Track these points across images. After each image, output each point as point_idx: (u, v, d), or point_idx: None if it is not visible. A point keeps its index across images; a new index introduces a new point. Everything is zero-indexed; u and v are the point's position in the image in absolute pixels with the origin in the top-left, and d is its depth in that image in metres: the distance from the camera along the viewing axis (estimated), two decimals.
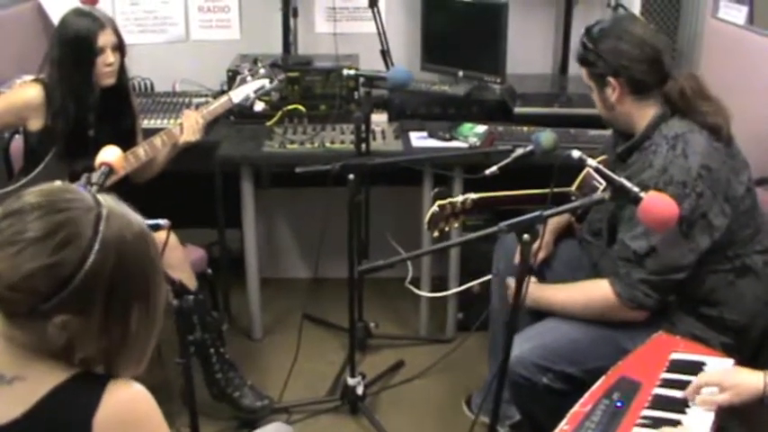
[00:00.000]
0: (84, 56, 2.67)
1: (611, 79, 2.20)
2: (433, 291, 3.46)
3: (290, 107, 3.43)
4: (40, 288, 1.14)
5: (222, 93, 3.17)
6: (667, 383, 1.87)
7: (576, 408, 1.77)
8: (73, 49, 2.67)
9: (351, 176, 2.66)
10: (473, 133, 3.26)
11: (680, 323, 2.21)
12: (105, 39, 2.68)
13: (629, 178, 2.13)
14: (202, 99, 3.48)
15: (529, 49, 3.79)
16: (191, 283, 2.70)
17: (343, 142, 3.21)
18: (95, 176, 2.21)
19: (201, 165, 3.13)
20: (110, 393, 1.19)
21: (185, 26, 3.81)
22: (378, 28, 3.53)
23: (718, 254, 2.18)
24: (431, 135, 3.31)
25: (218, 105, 2.95)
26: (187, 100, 3.53)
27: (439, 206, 2.54)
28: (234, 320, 3.56)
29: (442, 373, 3.26)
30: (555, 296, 2.35)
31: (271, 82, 3.01)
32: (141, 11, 3.76)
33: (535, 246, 1.97)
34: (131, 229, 1.23)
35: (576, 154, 2.00)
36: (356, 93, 3.42)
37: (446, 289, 3.42)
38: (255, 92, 2.98)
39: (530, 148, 2.48)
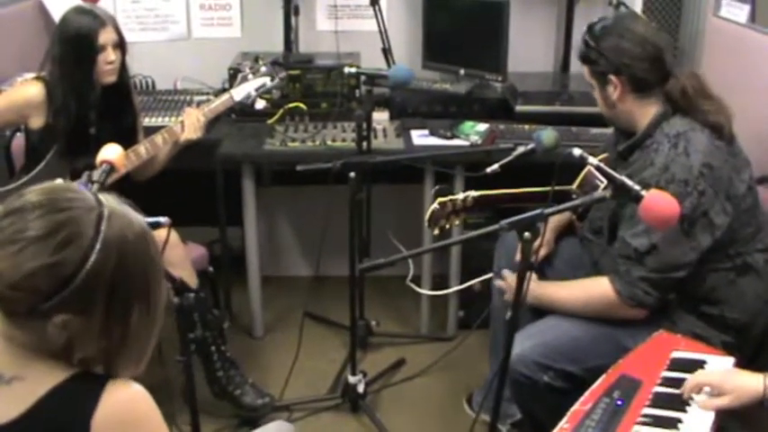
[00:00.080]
0: (85, 54, 2.67)
1: (612, 77, 2.20)
2: (434, 289, 3.46)
3: (291, 105, 3.43)
4: (41, 287, 1.14)
5: (223, 91, 3.17)
6: (668, 382, 1.86)
7: (576, 406, 1.77)
8: (74, 47, 2.67)
9: (352, 174, 2.66)
10: (474, 131, 3.25)
11: (681, 321, 2.21)
12: (106, 36, 2.69)
13: (630, 176, 2.12)
14: (204, 97, 3.48)
15: (530, 47, 3.79)
16: (191, 280, 2.70)
17: (344, 140, 3.21)
18: (96, 174, 2.21)
19: (203, 163, 3.13)
20: (109, 393, 1.19)
21: (187, 24, 3.81)
22: (379, 26, 3.53)
23: (719, 252, 2.17)
24: (432, 133, 3.30)
25: (219, 103, 2.95)
26: (188, 98, 3.53)
27: (440, 204, 2.54)
28: (235, 318, 3.57)
29: (442, 371, 3.26)
30: (556, 293, 2.35)
31: (272, 80, 3.01)
32: (142, 9, 3.76)
33: (536, 244, 1.96)
34: (133, 229, 1.23)
35: (577, 152, 1.99)
36: (357, 91, 3.42)
37: (447, 287, 3.42)
38: (257, 90, 2.98)
39: (531, 146, 2.48)
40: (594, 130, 3.17)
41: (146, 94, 3.55)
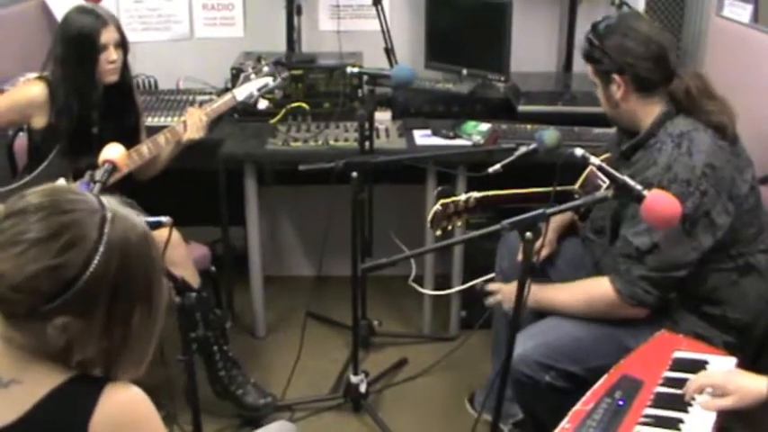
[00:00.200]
0: (87, 53, 2.68)
1: (616, 76, 2.19)
2: (436, 289, 3.46)
3: (293, 105, 3.43)
4: (43, 289, 1.14)
5: (226, 90, 3.17)
6: (670, 382, 1.86)
7: (577, 406, 1.76)
8: (76, 47, 2.68)
9: (354, 174, 2.66)
10: (477, 131, 3.25)
11: (682, 321, 2.21)
12: (108, 36, 2.69)
13: (632, 176, 2.12)
14: (206, 97, 3.48)
15: (533, 47, 3.78)
16: (193, 280, 2.70)
17: (346, 140, 3.21)
18: (99, 174, 2.21)
19: (205, 162, 3.13)
20: (107, 396, 1.19)
21: (189, 24, 3.82)
22: (382, 26, 3.53)
23: (721, 252, 2.17)
24: (434, 133, 3.30)
25: (221, 103, 2.95)
26: (191, 98, 3.54)
27: (442, 205, 2.54)
28: (237, 318, 3.57)
29: (445, 371, 3.26)
30: (556, 296, 2.35)
31: (274, 80, 3.01)
32: (145, 8, 3.76)
33: (538, 244, 1.96)
34: (135, 231, 1.23)
35: (579, 152, 1.99)
36: (360, 90, 3.42)
37: (449, 287, 3.42)
38: (259, 90, 2.99)
39: (533, 146, 2.47)
40: (597, 130, 3.17)
41: (148, 94, 3.55)
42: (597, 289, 2.24)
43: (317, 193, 3.46)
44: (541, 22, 3.82)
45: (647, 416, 1.74)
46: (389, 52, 3.57)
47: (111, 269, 1.17)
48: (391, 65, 3.52)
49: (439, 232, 2.57)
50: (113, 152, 2.25)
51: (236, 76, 3.16)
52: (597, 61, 2.23)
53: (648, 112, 2.21)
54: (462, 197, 2.56)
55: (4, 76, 3.22)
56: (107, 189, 2.20)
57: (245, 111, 3.31)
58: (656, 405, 1.78)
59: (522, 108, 3.38)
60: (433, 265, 3.45)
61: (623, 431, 1.69)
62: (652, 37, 2.18)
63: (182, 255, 2.70)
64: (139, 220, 1.26)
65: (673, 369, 1.92)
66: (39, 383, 1.18)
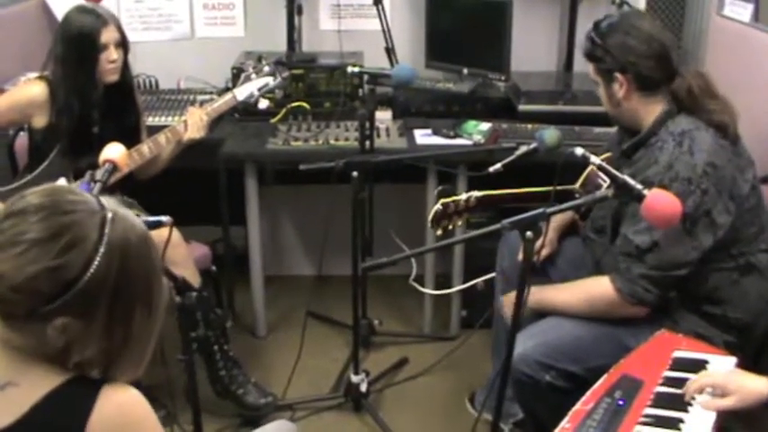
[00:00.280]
0: (87, 53, 2.68)
1: (618, 75, 2.19)
2: (436, 288, 3.46)
3: (294, 104, 3.43)
4: (43, 290, 1.14)
5: (227, 90, 3.17)
6: (670, 382, 1.86)
7: (577, 406, 1.76)
8: (76, 47, 2.68)
9: (355, 174, 2.66)
10: (477, 131, 3.25)
11: (683, 321, 2.21)
12: (108, 35, 2.69)
13: (633, 175, 2.12)
14: (207, 96, 3.48)
15: (533, 46, 3.78)
16: (194, 280, 2.70)
17: (347, 139, 3.21)
18: (99, 173, 2.21)
19: (206, 162, 3.13)
20: (104, 397, 1.18)
21: (190, 23, 3.82)
22: (382, 25, 3.53)
23: (722, 252, 2.17)
24: (435, 132, 3.30)
25: (222, 103, 2.95)
26: (192, 97, 3.54)
27: (442, 204, 2.54)
28: (238, 318, 3.57)
29: (445, 370, 3.26)
30: (557, 296, 2.35)
31: (275, 79, 3.01)
32: (146, 8, 3.77)
33: (538, 243, 1.96)
34: (135, 232, 1.23)
35: (579, 151, 1.99)
36: (360, 90, 3.42)
37: (450, 286, 3.42)
38: (260, 89, 2.98)
39: (533, 145, 2.47)
40: (598, 130, 3.17)
41: (149, 94, 3.56)
42: (597, 288, 2.24)
43: (317, 192, 3.46)
44: (542, 22, 3.82)
45: (647, 415, 1.74)
46: (390, 52, 3.57)
47: (112, 270, 1.17)
48: (392, 64, 3.52)
49: (439, 232, 2.57)
50: (114, 152, 2.25)
51: (237, 75, 3.16)
52: (599, 60, 2.22)
53: (650, 110, 2.21)
54: (463, 196, 2.56)
55: (5, 75, 3.22)
56: (108, 189, 2.21)
57: (245, 110, 3.31)
58: (656, 405, 1.78)
59: (522, 107, 3.38)
60: (434, 264, 3.45)
61: (623, 431, 1.69)
62: (654, 35, 2.18)
63: (182, 254, 2.70)
64: (138, 220, 1.26)
65: (673, 369, 1.92)
66: (36, 386, 1.17)
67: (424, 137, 3.29)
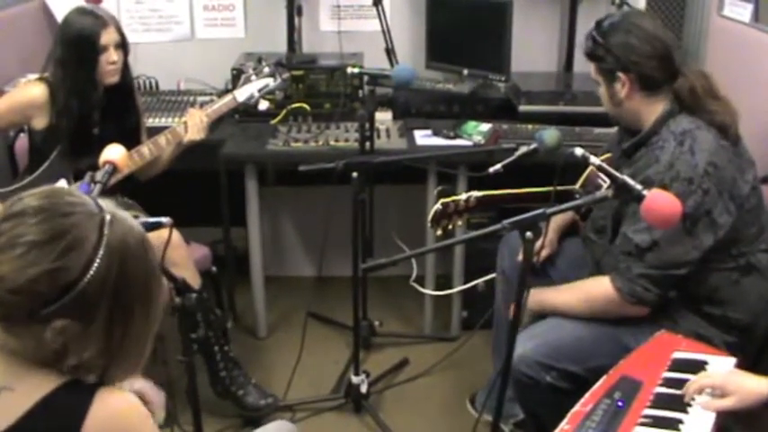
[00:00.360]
0: (87, 54, 2.68)
1: (620, 74, 2.19)
2: (437, 289, 3.46)
3: (294, 105, 3.43)
4: (43, 292, 1.14)
5: (227, 91, 3.18)
6: (669, 383, 1.86)
7: (576, 407, 1.76)
8: (76, 48, 2.68)
9: (355, 174, 2.66)
10: (477, 131, 3.25)
11: (683, 321, 2.21)
12: (108, 37, 2.70)
13: (634, 174, 2.13)
14: (207, 98, 3.48)
15: (533, 46, 3.79)
16: (194, 281, 2.70)
17: (347, 140, 3.21)
18: (99, 175, 2.21)
19: (206, 163, 3.13)
20: (99, 401, 1.18)
21: (190, 25, 3.82)
22: (382, 26, 3.53)
23: (722, 252, 2.17)
24: (435, 133, 3.30)
25: (222, 104, 2.96)
26: (192, 98, 3.54)
27: (442, 204, 2.54)
28: (238, 319, 3.57)
29: (446, 371, 3.26)
30: (557, 298, 2.35)
31: (275, 81, 3.01)
32: (146, 9, 3.77)
33: (538, 244, 1.96)
34: (133, 234, 1.23)
35: (578, 152, 1.98)
36: (360, 91, 3.42)
37: (450, 287, 3.42)
38: (260, 91, 2.99)
39: (533, 146, 2.46)
40: (598, 130, 3.17)
41: (149, 95, 3.56)
42: (597, 288, 2.24)
43: (317, 193, 3.47)
44: (542, 22, 3.82)
45: (646, 416, 1.73)
46: (390, 52, 3.57)
47: (112, 272, 1.17)
48: (392, 65, 3.52)
49: (439, 232, 2.57)
50: (114, 153, 2.25)
51: (237, 76, 3.16)
52: (601, 59, 2.22)
53: (652, 110, 2.20)
54: (463, 196, 2.56)
55: (5, 77, 3.23)
56: (108, 190, 2.21)
57: (245, 111, 3.31)
58: (655, 406, 1.77)
59: (522, 108, 3.38)
60: (434, 265, 3.45)
61: None
62: (657, 35, 2.17)
63: (182, 255, 2.69)
64: (136, 222, 1.26)
65: (672, 369, 1.92)
66: (31, 391, 1.17)
67: (424, 137, 3.29)
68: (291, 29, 3.67)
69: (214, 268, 3.20)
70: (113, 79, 2.77)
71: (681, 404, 1.77)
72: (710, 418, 1.72)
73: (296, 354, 3.11)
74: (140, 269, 1.22)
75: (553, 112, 3.36)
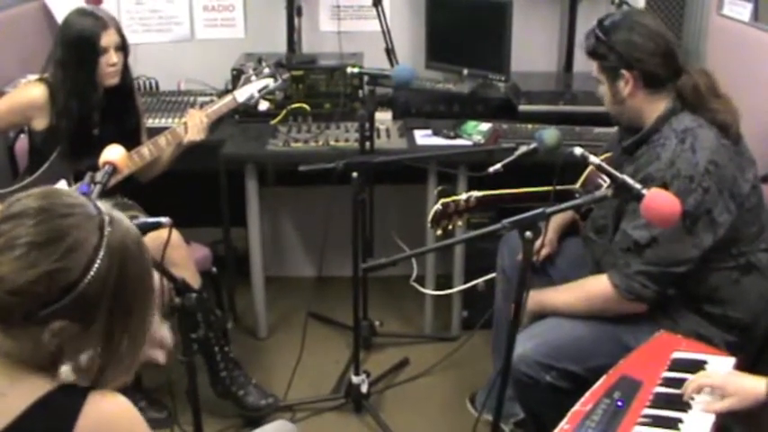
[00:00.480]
0: (87, 56, 2.68)
1: (624, 72, 2.18)
2: (437, 289, 3.46)
3: (294, 106, 3.43)
4: (43, 293, 1.13)
5: (227, 92, 3.18)
6: (668, 382, 1.86)
7: (576, 407, 1.77)
8: (76, 50, 2.68)
9: (355, 175, 2.66)
10: (477, 131, 3.25)
11: (683, 321, 2.21)
12: (108, 39, 2.70)
13: (635, 171, 2.13)
14: (207, 98, 3.48)
15: (533, 46, 3.79)
16: (194, 281, 2.70)
17: (347, 140, 3.21)
18: (99, 175, 2.21)
19: (206, 164, 3.13)
20: (91, 404, 1.18)
21: (190, 25, 3.82)
22: (382, 26, 3.53)
23: (722, 251, 2.17)
24: (435, 133, 3.30)
25: (222, 105, 2.96)
26: (192, 99, 3.54)
27: (442, 204, 2.54)
28: (239, 319, 3.57)
29: (446, 371, 3.26)
30: (557, 298, 2.35)
31: (275, 81, 3.01)
32: (146, 10, 3.77)
33: (538, 243, 1.96)
34: (131, 236, 1.23)
35: (578, 151, 1.98)
36: (360, 91, 3.42)
37: (451, 287, 3.42)
38: (260, 91, 2.99)
39: (533, 145, 2.47)
40: (598, 130, 3.17)
41: (149, 96, 3.56)
42: (596, 286, 2.24)
43: (317, 193, 3.47)
44: (542, 22, 3.82)
45: (645, 416, 1.74)
46: (390, 53, 3.57)
47: (112, 273, 1.17)
48: (392, 65, 3.52)
49: (439, 232, 2.57)
50: (114, 154, 2.25)
51: (237, 77, 3.16)
52: (603, 57, 2.21)
53: (654, 108, 2.20)
54: (463, 196, 2.56)
55: (5, 78, 3.23)
56: (108, 191, 2.21)
57: (245, 112, 3.31)
58: (654, 405, 1.78)
59: (522, 108, 3.38)
60: (435, 265, 3.45)
61: (622, 431, 1.69)
62: (660, 32, 2.17)
63: (182, 256, 2.70)
64: (132, 223, 1.26)
65: (671, 369, 1.92)
66: (23, 395, 1.16)
67: (424, 137, 3.30)
68: (291, 29, 3.67)
69: (214, 269, 3.21)
70: (113, 81, 2.77)
71: (680, 404, 1.78)
72: (710, 418, 1.73)
73: (296, 354, 3.10)
74: (138, 270, 1.23)
75: (553, 111, 3.36)
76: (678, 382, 1.84)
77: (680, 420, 1.72)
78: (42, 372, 1.19)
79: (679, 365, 1.94)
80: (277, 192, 3.84)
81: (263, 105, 3.08)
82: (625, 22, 2.20)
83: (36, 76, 2.90)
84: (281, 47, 3.68)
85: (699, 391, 1.79)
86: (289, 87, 3.35)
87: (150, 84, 3.66)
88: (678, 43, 2.31)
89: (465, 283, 3.38)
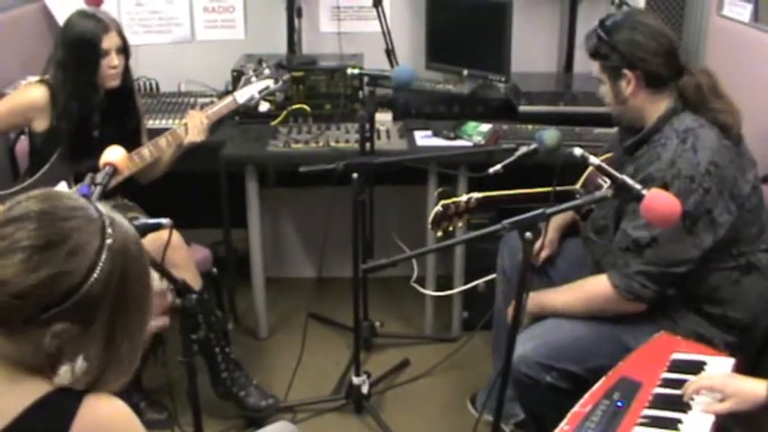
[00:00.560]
0: (88, 58, 2.69)
1: (627, 72, 2.18)
2: (438, 290, 3.46)
3: (294, 107, 3.44)
4: (46, 296, 1.13)
5: (227, 93, 3.18)
6: (668, 383, 1.86)
7: (576, 408, 1.77)
8: (77, 52, 2.69)
9: (355, 175, 2.66)
10: (477, 132, 3.26)
11: (683, 321, 2.21)
12: (110, 41, 2.70)
13: (636, 171, 2.13)
14: (207, 99, 3.49)
15: (533, 47, 3.79)
16: (195, 282, 2.70)
17: (347, 141, 3.22)
18: (99, 177, 2.21)
19: (206, 165, 3.13)
20: (86, 406, 1.18)
21: (190, 26, 3.82)
22: (382, 27, 3.53)
23: (722, 252, 2.17)
24: (435, 134, 3.30)
25: (222, 106, 2.96)
26: (192, 100, 3.54)
27: (443, 206, 2.54)
28: (239, 320, 3.58)
29: (447, 371, 3.26)
30: (557, 299, 2.35)
31: (275, 82, 3.01)
32: (146, 11, 3.77)
33: (538, 244, 1.96)
34: (131, 238, 1.24)
35: (578, 152, 1.98)
36: (360, 92, 3.42)
37: (451, 288, 3.42)
38: (260, 92, 2.99)
39: (533, 146, 2.47)
40: (598, 130, 3.17)
41: (149, 97, 3.56)
42: (596, 286, 2.24)
43: (318, 194, 3.47)
44: (542, 22, 3.82)
45: (645, 417, 1.74)
46: (390, 53, 3.57)
47: (114, 275, 1.18)
48: (392, 66, 3.52)
49: (440, 233, 2.57)
50: (114, 155, 2.25)
51: (237, 78, 3.16)
52: (606, 57, 2.21)
53: (655, 108, 2.20)
54: (463, 198, 2.56)
55: (6, 79, 3.23)
56: (108, 192, 2.21)
57: (246, 113, 3.31)
58: (654, 406, 1.78)
59: (522, 108, 3.38)
60: (435, 265, 3.45)
61: None
62: (662, 31, 2.17)
63: (183, 257, 2.70)
64: (130, 225, 1.26)
65: (671, 370, 1.92)
66: (20, 397, 1.16)
67: (424, 138, 3.30)
68: (291, 30, 3.68)
69: (215, 270, 3.21)
70: (114, 83, 2.77)
71: (680, 404, 1.78)
72: (709, 419, 1.73)
73: (297, 355, 3.10)
74: (138, 271, 1.23)
75: (553, 112, 3.36)
76: (678, 383, 1.84)
77: (679, 421, 1.72)
78: (39, 374, 1.19)
79: (678, 366, 1.94)
80: (277, 193, 3.85)
81: (264, 106, 3.08)
82: (627, 21, 2.20)
83: (36, 78, 2.90)
84: (281, 48, 3.68)
85: (698, 392, 1.79)
86: (289, 88, 3.35)
87: (150, 85, 3.66)
88: (678, 44, 2.31)
89: (465, 283, 3.38)
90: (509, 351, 2.02)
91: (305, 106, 3.44)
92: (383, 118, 3.43)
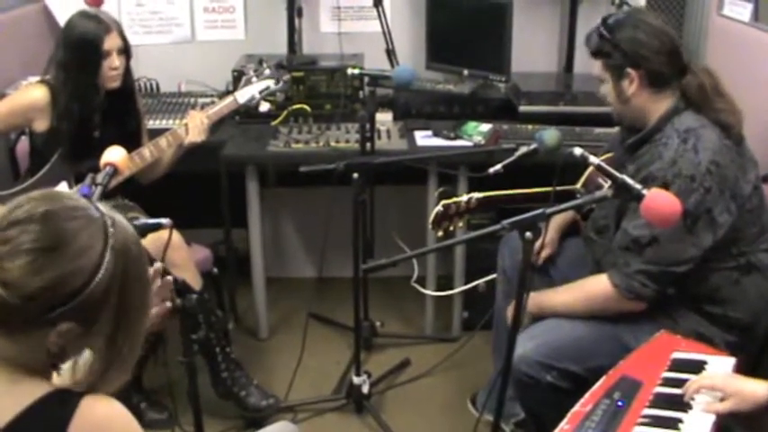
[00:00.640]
0: (89, 59, 2.69)
1: (630, 71, 2.17)
2: (438, 289, 3.46)
3: (295, 107, 3.44)
4: (51, 297, 1.14)
5: (227, 93, 3.18)
6: (668, 382, 1.86)
7: (576, 407, 1.77)
8: (78, 52, 2.69)
9: (355, 175, 2.66)
10: (478, 132, 3.26)
11: (683, 321, 2.21)
12: (111, 42, 2.70)
13: (637, 170, 2.13)
14: (208, 99, 3.49)
15: (534, 47, 3.79)
16: (195, 282, 2.71)
17: (348, 141, 3.22)
18: (100, 177, 2.22)
19: (207, 165, 3.13)
20: (84, 407, 1.18)
21: (191, 27, 3.82)
22: (382, 27, 3.53)
23: (723, 252, 2.17)
24: (435, 134, 3.31)
25: (222, 106, 2.96)
26: (192, 100, 3.54)
27: (443, 206, 2.54)
28: (240, 320, 3.58)
29: (447, 371, 3.26)
30: (557, 299, 2.35)
31: (276, 83, 3.01)
32: (147, 12, 3.77)
33: (538, 244, 1.96)
34: (131, 238, 1.24)
35: (578, 151, 1.98)
36: (361, 92, 3.43)
37: (451, 288, 3.42)
38: (260, 92, 2.99)
39: (533, 146, 2.47)
40: (598, 130, 3.17)
41: (150, 97, 3.56)
42: (596, 285, 2.24)
43: (318, 194, 3.47)
44: (542, 22, 3.82)
45: (646, 416, 1.74)
46: (390, 53, 3.57)
47: (117, 275, 1.18)
48: (392, 66, 3.52)
49: (440, 233, 2.57)
50: (115, 155, 2.25)
51: (238, 78, 3.17)
52: (608, 56, 2.20)
53: (657, 107, 2.20)
54: (464, 198, 2.56)
55: (7, 79, 3.24)
56: (108, 192, 2.22)
57: (246, 113, 3.32)
58: (655, 405, 1.78)
59: (523, 108, 3.38)
60: (435, 265, 3.45)
61: (622, 431, 1.69)
62: (664, 30, 2.17)
63: (183, 257, 2.70)
64: (130, 225, 1.26)
65: (671, 369, 1.92)
66: (18, 400, 1.16)
67: (424, 138, 3.30)
68: (292, 30, 3.68)
69: (215, 270, 3.21)
70: (115, 84, 2.78)
71: (680, 404, 1.78)
72: (710, 418, 1.73)
73: (297, 355, 3.10)
74: (139, 271, 1.24)
75: (553, 112, 3.36)
76: (678, 383, 1.84)
77: (680, 420, 1.72)
78: (38, 375, 1.19)
79: (679, 366, 1.94)
80: (278, 193, 3.85)
81: (264, 106, 3.08)
82: (629, 20, 2.19)
83: (37, 78, 2.91)
84: (281, 48, 3.69)
85: (699, 391, 1.79)
86: (289, 88, 3.35)
87: (151, 85, 3.66)
88: (680, 42, 2.31)
89: (466, 283, 3.38)
90: (509, 351, 2.02)
91: (305, 106, 3.44)
92: (383, 118, 3.43)
